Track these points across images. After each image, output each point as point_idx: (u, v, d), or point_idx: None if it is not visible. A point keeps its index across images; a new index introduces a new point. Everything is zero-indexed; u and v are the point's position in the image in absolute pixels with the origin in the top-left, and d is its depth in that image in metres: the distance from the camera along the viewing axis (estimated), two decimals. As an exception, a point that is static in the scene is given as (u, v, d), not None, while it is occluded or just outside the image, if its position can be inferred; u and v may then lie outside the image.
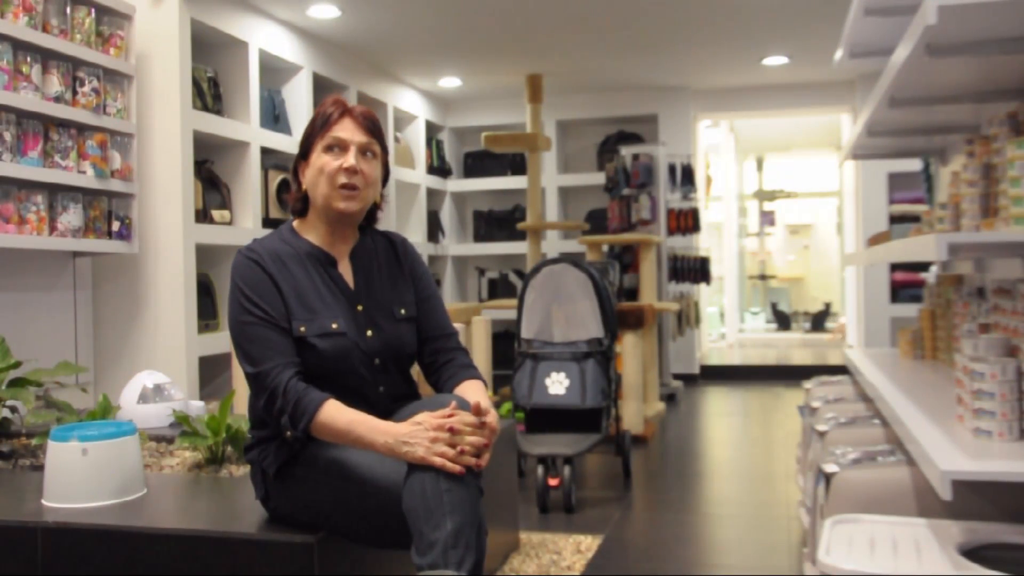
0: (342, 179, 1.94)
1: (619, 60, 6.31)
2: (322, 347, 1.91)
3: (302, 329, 1.91)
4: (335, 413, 1.79)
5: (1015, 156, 1.72)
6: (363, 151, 1.97)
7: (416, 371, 2.15)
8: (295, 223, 2.06)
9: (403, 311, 2.06)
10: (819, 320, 12.16)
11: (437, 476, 1.71)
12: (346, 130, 1.96)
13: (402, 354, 2.04)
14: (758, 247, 13.57)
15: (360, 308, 1.99)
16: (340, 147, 1.95)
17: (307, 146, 2.00)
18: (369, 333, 1.98)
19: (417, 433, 1.72)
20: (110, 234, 3.89)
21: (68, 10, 3.68)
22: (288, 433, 1.86)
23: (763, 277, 13.52)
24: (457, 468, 1.70)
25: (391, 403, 2.01)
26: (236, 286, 1.94)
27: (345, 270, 2.03)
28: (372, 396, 1.98)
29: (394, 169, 6.34)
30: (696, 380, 7.41)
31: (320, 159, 1.95)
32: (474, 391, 1.97)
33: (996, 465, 1.51)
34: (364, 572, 2.01)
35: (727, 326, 10.68)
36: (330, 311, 1.95)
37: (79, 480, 2.14)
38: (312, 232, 2.03)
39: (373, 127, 2.00)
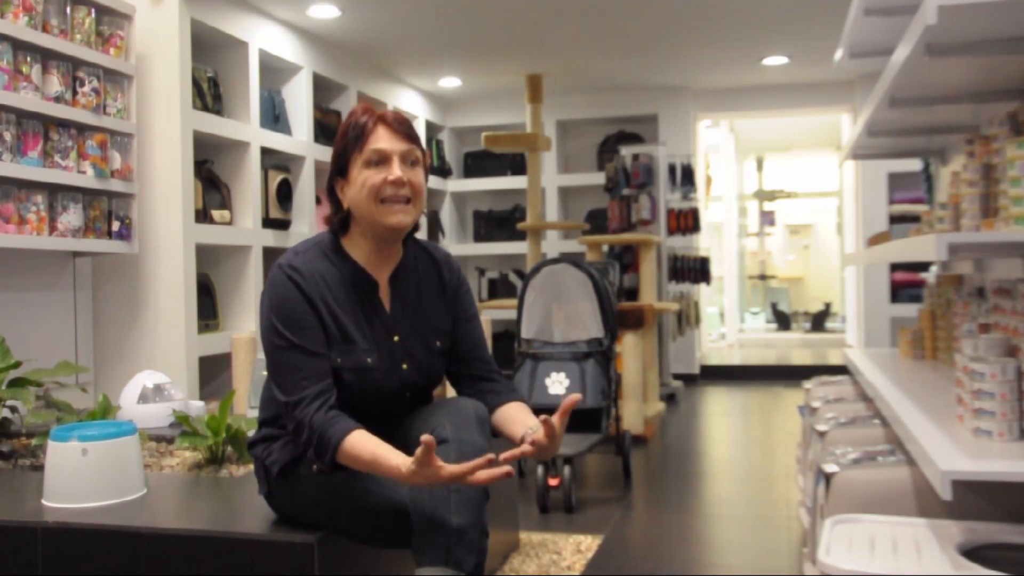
0: (388, 192, 1.83)
1: (619, 60, 6.31)
2: (355, 381, 1.86)
3: (338, 360, 1.85)
4: (358, 447, 1.72)
5: (1015, 156, 1.72)
6: (405, 159, 1.85)
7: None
8: (341, 238, 1.94)
9: (439, 343, 1.99)
10: (819, 320, 12.16)
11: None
12: (384, 140, 1.84)
13: (433, 385, 2.02)
14: (758, 247, 13.57)
15: (396, 339, 1.92)
16: (381, 160, 1.83)
17: (343, 162, 1.87)
18: (404, 366, 1.92)
19: (434, 483, 1.63)
20: (110, 234, 3.89)
21: (68, 10, 3.68)
22: (315, 467, 1.82)
23: (763, 277, 13.52)
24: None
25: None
26: (269, 305, 1.84)
27: (384, 295, 1.94)
28: (396, 423, 1.95)
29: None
30: (696, 380, 7.41)
31: (361, 175, 1.83)
32: (520, 414, 1.91)
33: (996, 465, 1.51)
34: (364, 572, 2.01)
35: (727, 326, 10.68)
36: (367, 343, 1.88)
37: (79, 480, 2.14)
38: (356, 249, 1.92)
39: (411, 132, 1.89)
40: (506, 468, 1.61)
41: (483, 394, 2.00)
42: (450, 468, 1.60)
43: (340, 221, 1.92)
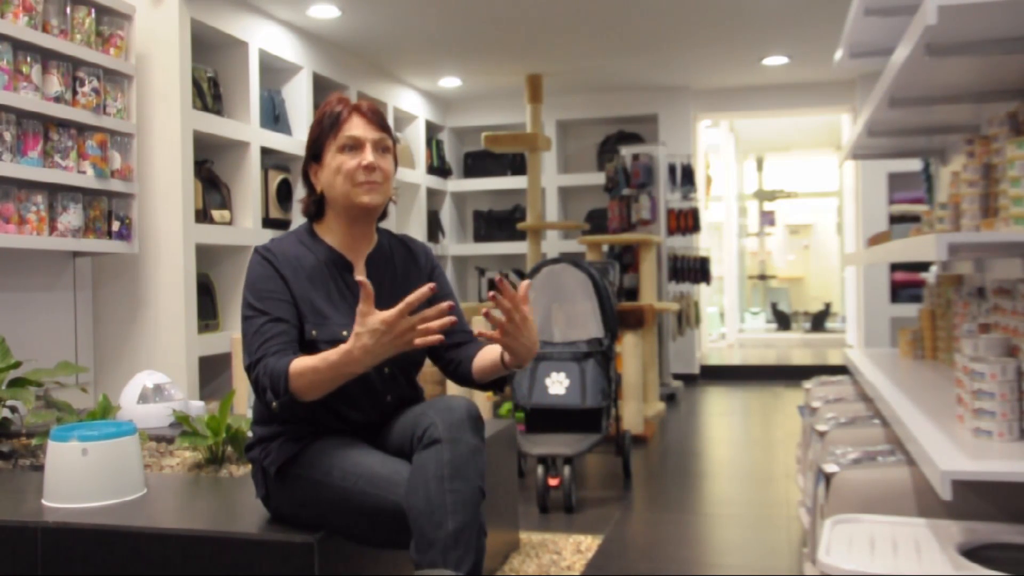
0: (361, 177, 1.92)
1: (619, 60, 6.31)
2: None
3: (314, 333, 1.89)
4: (305, 360, 1.77)
5: (1015, 156, 1.72)
6: (377, 147, 1.95)
7: (425, 377, 2.13)
8: (314, 224, 2.03)
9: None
10: (819, 320, 12.16)
11: (441, 476, 1.71)
12: (358, 128, 1.94)
13: (411, 363, 2.02)
14: (758, 247, 13.57)
15: None
16: (355, 146, 1.93)
17: (318, 148, 1.97)
18: None
19: (381, 341, 1.68)
20: (110, 234, 3.89)
21: (68, 10, 3.68)
22: (274, 404, 1.82)
23: (763, 277, 13.52)
24: (434, 339, 1.69)
25: (396, 409, 2.00)
26: (246, 284, 1.93)
27: (360, 276, 1.98)
28: (380, 404, 1.97)
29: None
30: (696, 380, 7.41)
31: (336, 159, 1.93)
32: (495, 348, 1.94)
33: (996, 465, 1.51)
34: (364, 572, 2.01)
35: (727, 326, 10.69)
36: (342, 318, 1.92)
37: (79, 480, 2.14)
38: (330, 234, 2.00)
39: (383, 121, 1.99)
40: (443, 320, 1.68)
41: (463, 351, 2.04)
42: (389, 311, 1.67)
43: (314, 204, 2.01)
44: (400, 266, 2.07)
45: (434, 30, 5.49)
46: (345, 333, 1.90)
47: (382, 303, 1.98)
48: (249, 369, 1.85)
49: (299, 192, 5.25)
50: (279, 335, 1.85)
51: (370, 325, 1.68)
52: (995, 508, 1.76)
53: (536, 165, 6.18)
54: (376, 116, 1.97)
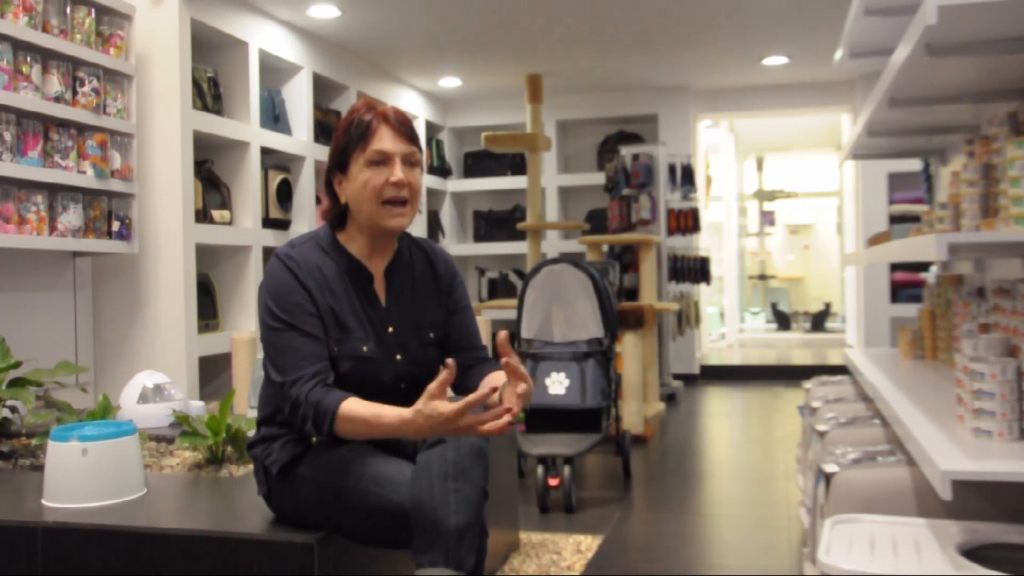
0: (390, 193, 1.87)
1: (619, 60, 6.31)
2: (350, 370, 1.88)
3: (335, 349, 1.88)
4: (357, 408, 1.76)
5: (1015, 156, 1.72)
6: (406, 161, 1.89)
7: None
8: (336, 232, 1.98)
9: (432, 335, 2.01)
10: (819, 320, 12.16)
11: (445, 475, 1.71)
12: (387, 141, 1.87)
13: (428, 377, 1.99)
14: (758, 247, 13.57)
15: (391, 330, 1.95)
16: (383, 160, 1.87)
17: (344, 158, 1.90)
18: (398, 357, 1.94)
19: (438, 428, 1.68)
20: (110, 234, 3.89)
21: (68, 10, 3.68)
22: (314, 439, 1.85)
23: (763, 277, 13.52)
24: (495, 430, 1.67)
25: None
26: (267, 291, 1.88)
27: (380, 287, 1.98)
28: None
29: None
30: (696, 380, 7.41)
31: (363, 174, 1.87)
32: (496, 376, 1.93)
33: (996, 465, 1.51)
34: (364, 572, 2.01)
35: (727, 326, 10.68)
36: (363, 332, 1.90)
37: (79, 480, 2.14)
38: (352, 243, 1.96)
39: (412, 133, 1.92)
40: (507, 419, 1.65)
41: (470, 376, 2.03)
42: (453, 405, 1.65)
43: (337, 215, 1.96)
44: (419, 275, 2.04)
45: (434, 30, 5.49)
46: (365, 349, 1.90)
47: (399, 312, 1.98)
48: (283, 386, 1.82)
49: (299, 190, 5.26)
50: (314, 354, 1.83)
51: (430, 410, 1.66)
52: (995, 508, 1.76)
53: (536, 165, 6.18)
54: (405, 127, 1.91)
